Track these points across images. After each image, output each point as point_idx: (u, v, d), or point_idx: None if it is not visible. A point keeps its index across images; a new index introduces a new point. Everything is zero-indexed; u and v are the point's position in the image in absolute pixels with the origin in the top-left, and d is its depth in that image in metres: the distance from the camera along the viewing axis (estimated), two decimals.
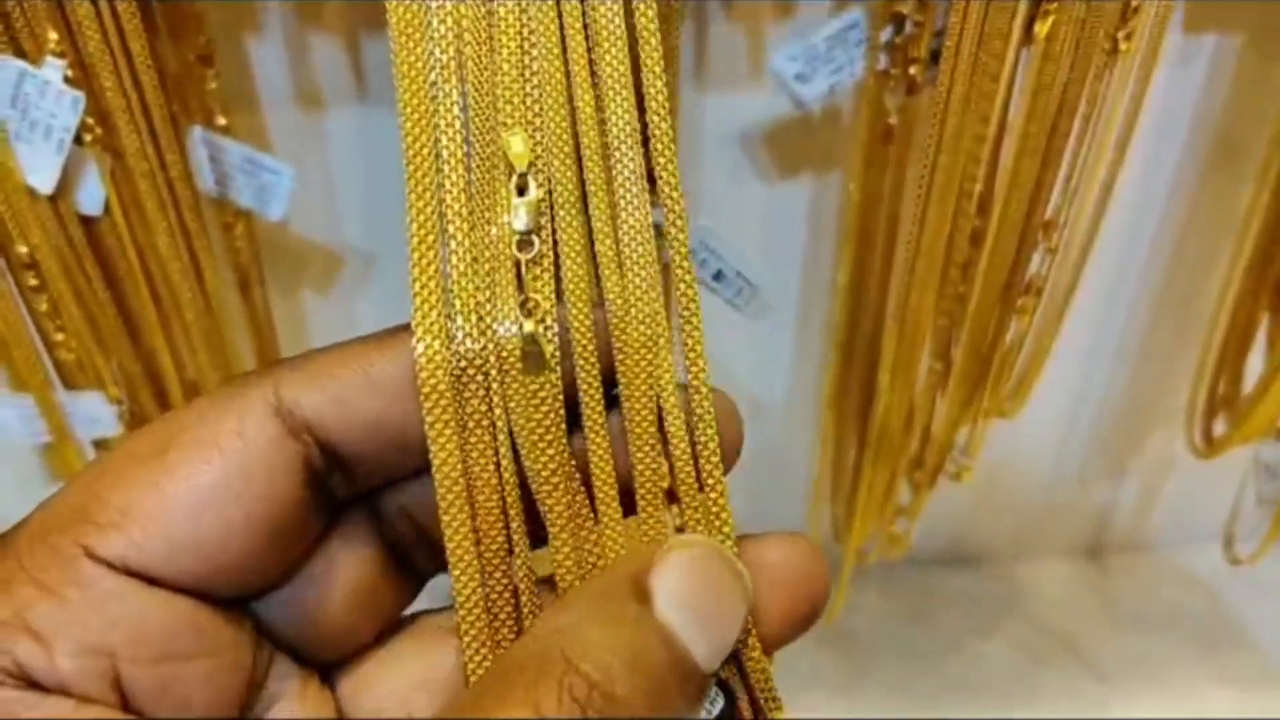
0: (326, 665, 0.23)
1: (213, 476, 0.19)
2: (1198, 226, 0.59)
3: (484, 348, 0.20)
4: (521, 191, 0.21)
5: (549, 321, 0.21)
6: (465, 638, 0.21)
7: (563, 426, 0.21)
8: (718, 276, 0.43)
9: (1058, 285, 0.46)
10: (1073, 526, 0.75)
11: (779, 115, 0.53)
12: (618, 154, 0.22)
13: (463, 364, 0.20)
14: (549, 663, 0.18)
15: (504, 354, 0.20)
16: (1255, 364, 0.56)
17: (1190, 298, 0.61)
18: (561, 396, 0.21)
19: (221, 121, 0.45)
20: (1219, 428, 0.57)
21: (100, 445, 0.47)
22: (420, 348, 0.20)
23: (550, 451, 0.21)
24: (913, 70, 0.44)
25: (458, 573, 0.21)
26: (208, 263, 0.43)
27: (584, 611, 0.19)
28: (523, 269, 0.21)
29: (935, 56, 0.44)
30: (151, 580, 0.19)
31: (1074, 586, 0.74)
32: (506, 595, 0.22)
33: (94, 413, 0.44)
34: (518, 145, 0.21)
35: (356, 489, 0.21)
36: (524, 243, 0.21)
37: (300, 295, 0.56)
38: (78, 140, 0.38)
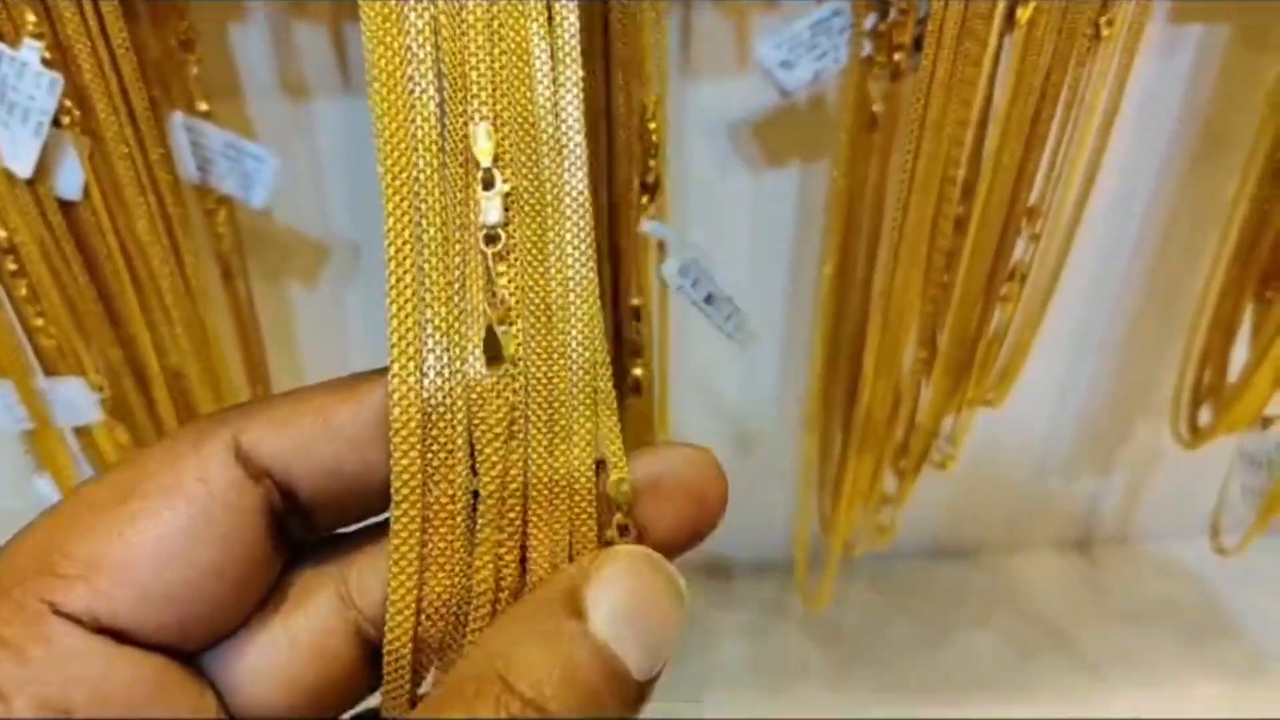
0: None
1: (178, 523, 0.19)
2: (1183, 218, 0.59)
3: (453, 388, 0.20)
4: (488, 186, 0.21)
5: (513, 318, 0.21)
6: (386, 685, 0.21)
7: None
8: (709, 300, 0.43)
9: (1042, 272, 0.46)
10: (1061, 519, 0.75)
11: (765, 105, 0.53)
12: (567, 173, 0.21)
13: (432, 405, 0.20)
14: (485, 683, 0.18)
15: (473, 396, 0.21)
16: (1240, 354, 0.56)
17: (1175, 289, 0.61)
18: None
19: (203, 107, 0.44)
20: (1204, 417, 0.57)
21: (82, 433, 0.47)
22: (395, 383, 0.20)
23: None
24: (897, 57, 0.44)
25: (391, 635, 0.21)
26: (188, 248, 0.43)
27: (519, 630, 0.19)
28: (490, 263, 0.21)
29: (919, 43, 0.44)
30: (119, 636, 0.19)
31: (1062, 578, 0.74)
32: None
33: (75, 400, 0.44)
34: (482, 140, 0.21)
35: (315, 532, 0.22)
36: (491, 237, 0.21)
37: (286, 286, 0.56)
38: (56, 123, 0.38)
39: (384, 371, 0.20)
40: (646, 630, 0.19)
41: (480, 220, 0.21)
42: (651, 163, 0.41)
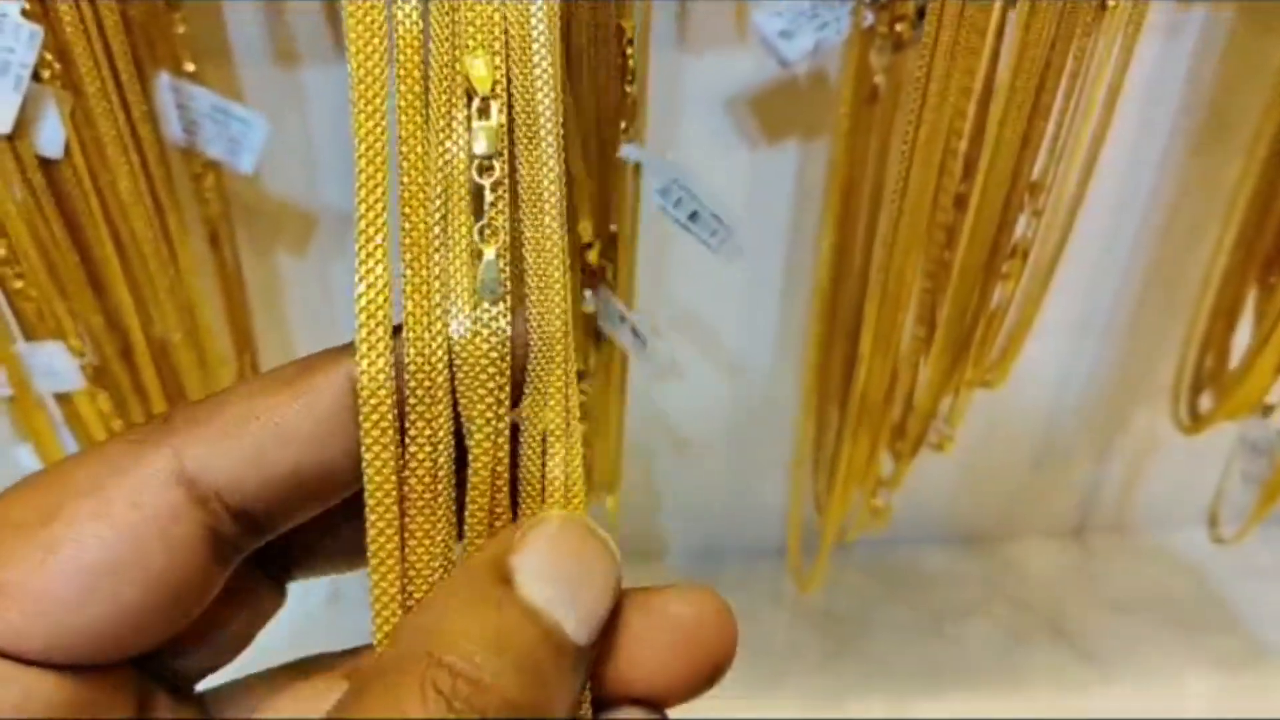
0: (206, 701, 0.22)
1: (104, 554, 0.18)
2: (1186, 201, 0.58)
3: (434, 354, 0.19)
4: (483, 115, 0.20)
5: (505, 248, 0.20)
6: None
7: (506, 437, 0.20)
8: (693, 217, 0.42)
9: (1044, 250, 0.46)
10: (1057, 506, 0.74)
11: (763, 79, 0.52)
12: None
13: (412, 381, 0.19)
14: (410, 660, 0.17)
15: (459, 353, 0.19)
16: (1242, 340, 0.55)
17: (1177, 274, 0.60)
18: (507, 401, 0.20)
19: (190, 68, 0.43)
20: (1205, 403, 0.56)
21: (63, 401, 0.46)
22: (364, 365, 0.19)
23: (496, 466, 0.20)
24: (900, 27, 0.44)
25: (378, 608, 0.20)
26: (172, 209, 0.42)
27: (444, 604, 0.18)
28: (485, 194, 0.20)
29: (922, 13, 0.43)
30: (30, 662, 0.18)
31: (1058, 566, 0.73)
32: None
33: (56, 365, 0.43)
34: (480, 69, 0.20)
35: (265, 539, 0.20)
36: (485, 168, 0.20)
37: (274, 255, 0.55)
38: (36, 77, 0.37)
39: (339, 352, 0.19)
40: (579, 591, 0.18)
41: (472, 151, 0.20)
42: (629, 88, 0.40)
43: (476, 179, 0.20)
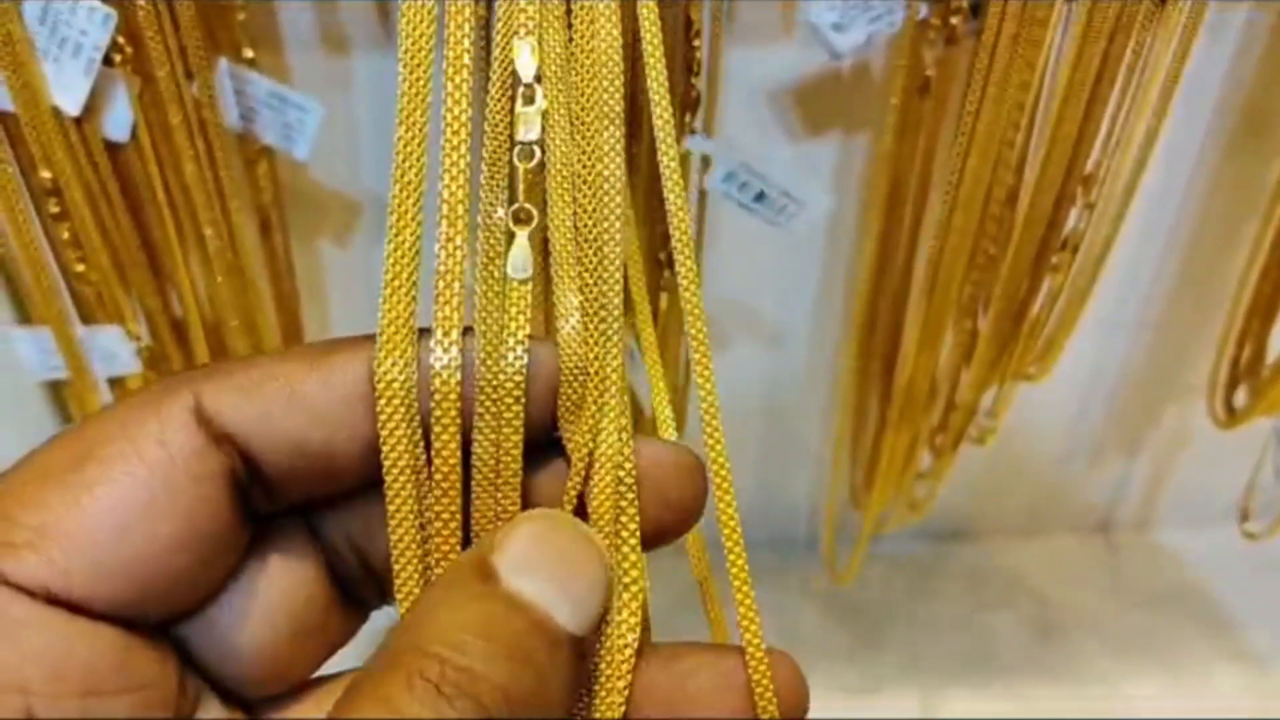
0: (254, 705, 0.22)
1: (137, 490, 0.18)
2: (1221, 199, 0.59)
3: (451, 361, 0.19)
4: (529, 101, 0.20)
5: (538, 231, 0.20)
6: None
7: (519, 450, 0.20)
8: (760, 198, 0.42)
9: (1094, 243, 0.46)
10: (1086, 501, 0.75)
11: (807, 72, 0.52)
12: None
13: (429, 384, 0.19)
14: (397, 657, 0.17)
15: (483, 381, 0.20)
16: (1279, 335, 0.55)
17: (1210, 271, 0.61)
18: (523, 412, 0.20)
19: (249, 54, 0.44)
20: (1240, 399, 0.57)
21: (115, 384, 0.46)
22: (383, 370, 0.19)
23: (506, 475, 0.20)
24: (954, 21, 0.44)
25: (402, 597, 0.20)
26: (233, 193, 0.42)
27: (429, 602, 0.18)
28: (518, 178, 0.20)
29: (976, 9, 0.43)
30: (73, 607, 0.18)
31: (1084, 563, 0.74)
32: None
33: (112, 348, 0.43)
34: (525, 55, 0.20)
35: (278, 506, 0.20)
36: (527, 153, 0.20)
37: (317, 243, 0.55)
38: (107, 61, 0.37)
39: (363, 340, 0.19)
40: (563, 579, 0.19)
41: (517, 137, 0.20)
42: (695, 80, 0.40)
43: (516, 163, 0.20)
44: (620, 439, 0.20)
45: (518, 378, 0.19)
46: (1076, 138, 0.42)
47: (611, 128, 0.21)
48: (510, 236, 0.20)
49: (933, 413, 0.51)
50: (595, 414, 0.20)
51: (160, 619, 0.19)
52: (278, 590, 0.21)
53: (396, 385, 0.19)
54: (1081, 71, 0.40)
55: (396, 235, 0.20)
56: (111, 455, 0.18)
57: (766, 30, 0.51)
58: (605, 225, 0.20)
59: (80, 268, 0.41)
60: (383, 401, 0.19)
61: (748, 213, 0.42)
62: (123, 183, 0.40)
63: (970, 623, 0.69)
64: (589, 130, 0.21)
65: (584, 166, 0.20)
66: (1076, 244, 0.45)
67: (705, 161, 0.43)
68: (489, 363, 0.19)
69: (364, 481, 0.20)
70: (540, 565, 0.18)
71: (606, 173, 0.20)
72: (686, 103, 0.41)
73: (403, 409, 0.19)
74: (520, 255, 0.20)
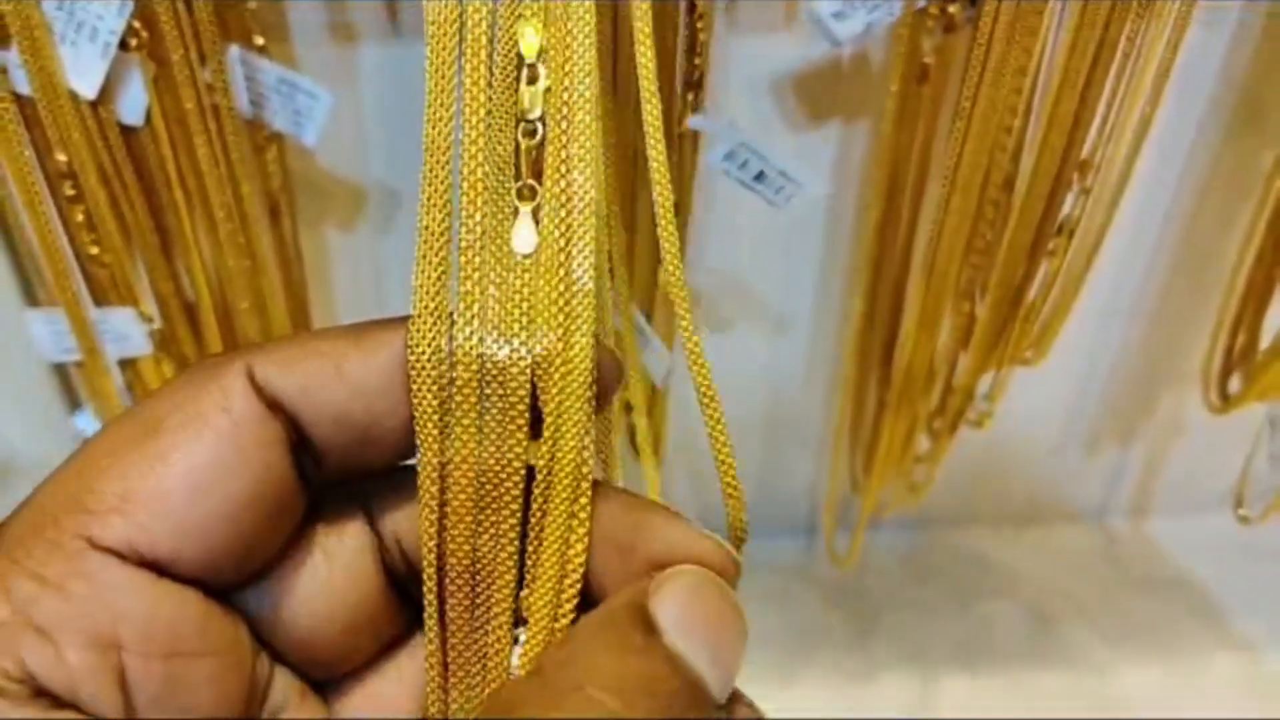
0: (321, 684, 0.23)
1: (208, 455, 0.19)
2: (1216, 188, 0.59)
3: (476, 349, 0.20)
4: (533, 81, 0.21)
5: (541, 204, 0.21)
6: (429, 674, 0.22)
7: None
8: (759, 178, 0.43)
9: (1090, 228, 0.47)
10: (1083, 488, 0.75)
11: (807, 61, 0.53)
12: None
13: (456, 371, 0.20)
14: (562, 691, 0.18)
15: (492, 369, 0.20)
16: (1273, 323, 0.56)
17: (1205, 259, 0.61)
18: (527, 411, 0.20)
19: (259, 41, 0.44)
20: (1235, 385, 0.58)
21: (127, 366, 0.47)
22: (417, 349, 0.20)
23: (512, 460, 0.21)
24: (952, 9, 0.45)
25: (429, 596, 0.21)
26: (244, 179, 0.42)
27: (588, 643, 0.19)
28: (521, 154, 0.21)
29: None
30: (158, 568, 0.19)
31: (1082, 549, 0.74)
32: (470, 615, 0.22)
33: (124, 330, 0.44)
34: (530, 35, 0.21)
35: (327, 476, 0.21)
36: (530, 130, 0.21)
37: (324, 230, 0.56)
38: (123, 46, 0.38)
39: (405, 319, 0.20)
40: (716, 645, 0.19)
41: (521, 115, 0.21)
42: (697, 60, 0.41)
43: (521, 140, 0.21)
44: (580, 442, 0.20)
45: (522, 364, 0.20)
46: (1072, 124, 0.42)
47: (587, 107, 0.21)
48: (515, 212, 0.21)
49: (931, 396, 0.52)
50: (555, 415, 0.20)
51: (232, 580, 0.20)
52: (343, 588, 0.22)
53: (426, 359, 0.20)
54: (1077, 59, 0.41)
55: (427, 212, 0.20)
56: (179, 424, 0.19)
57: (767, 20, 0.51)
58: (580, 204, 0.21)
59: (94, 250, 0.42)
60: (414, 374, 0.20)
61: (747, 191, 0.43)
62: (136, 166, 0.40)
63: (967, 610, 0.70)
64: (572, 110, 0.21)
65: (574, 145, 0.21)
66: (1072, 229, 0.46)
67: (694, 138, 0.44)
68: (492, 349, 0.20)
69: (406, 454, 0.21)
70: (697, 629, 0.19)
71: (581, 153, 0.21)
72: (690, 83, 0.42)
73: (433, 383, 0.20)
74: (525, 231, 0.21)
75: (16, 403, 0.55)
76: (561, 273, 0.20)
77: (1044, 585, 0.71)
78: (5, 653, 0.17)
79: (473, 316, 0.20)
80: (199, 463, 0.19)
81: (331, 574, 0.21)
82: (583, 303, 0.20)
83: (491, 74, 0.21)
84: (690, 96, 0.42)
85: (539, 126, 0.21)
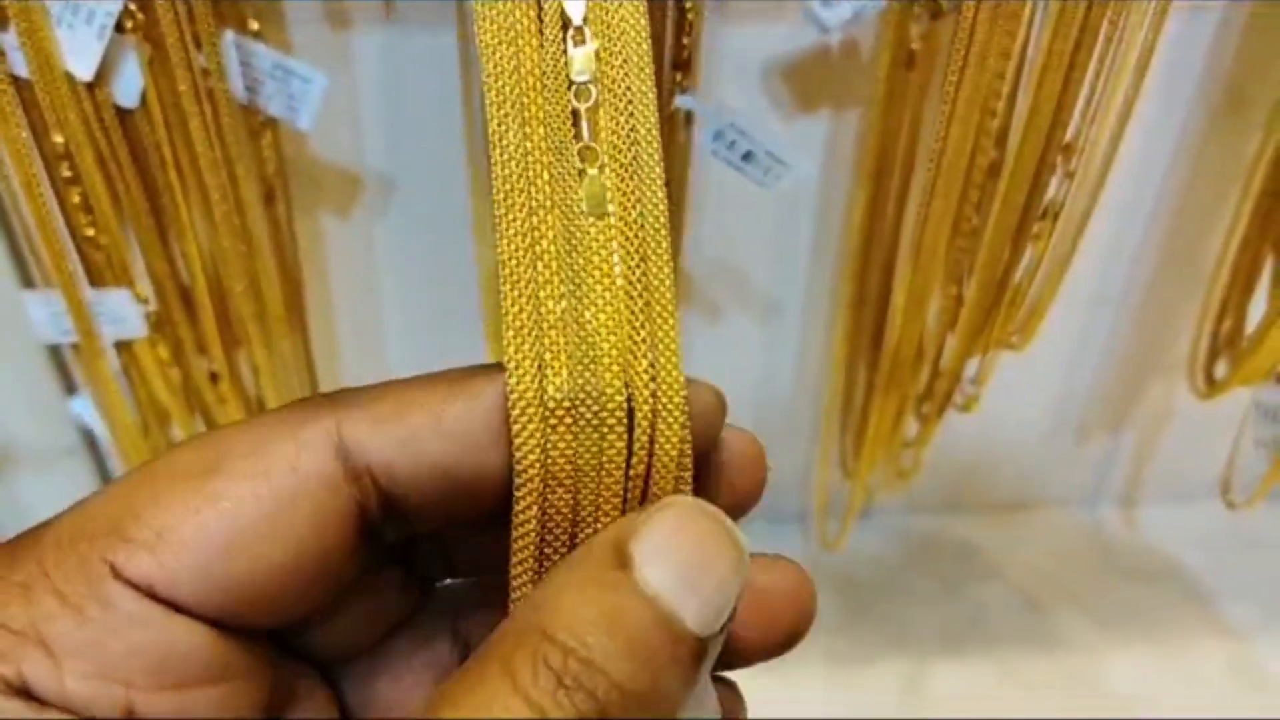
0: (326, 664, 0.22)
1: (258, 511, 0.18)
2: (1203, 175, 0.60)
3: (575, 392, 0.19)
4: (578, 43, 0.21)
5: (605, 166, 0.21)
6: None
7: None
8: (747, 158, 0.43)
9: (1074, 211, 0.47)
10: (1072, 476, 0.76)
11: (797, 49, 0.53)
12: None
13: (553, 407, 0.19)
14: (524, 634, 0.17)
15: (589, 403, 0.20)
16: (1258, 308, 0.57)
17: (1193, 247, 0.62)
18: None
19: (254, 26, 0.45)
20: (1220, 370, 0.58)
21: (123, 349, 0.47)
22: (512, 383, 0.19)
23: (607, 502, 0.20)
24: None
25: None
26: (239, 161, 0.43)
27: (560, 581, 0.19)
28: (581, 117, 0.21)
29: None
30: (175, 607, 0.18)
31: (1072, 536, 0.75)
32: None
33: (120, 311, 0.44)
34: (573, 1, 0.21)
35: (411, 533, 0.21)
36: (582, 92, 0.21)
37: (318, 216, 0.56)
38: (119, 28, 0.38)
39: (499, 367, 0.20)
40: (700, 579, 0.18)
41: (571, 78, 0.21)
42: (685, 39, 0.41)
43: (575, 103, 0.21)
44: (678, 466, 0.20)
45: (619, 398, 0.20)
46: (1056, 107, 0.43)
47: (644, 69, 0.21)
48: (581, 174, 0.21)
49: (919, 378, 0.53)
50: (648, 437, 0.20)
51: (258, 628, 0.19)
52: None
53: (530, 399, 0.19)
54: (1060, 42, 0.41)
55: (508, 243, 0.20)
56: (241, 471, 0.18)
57: (757, 6, 0.52)
58: (647, 165, 0.21)
59: (90, 231, 0.42)
60: (515, 415, 0.19)
61: (736, 171, 0.44)
62: (132, 148, 0.41)
63: (958, 596, 0.70)
64: (629, 73, 0.21)
65: (636, 107, 0.21)
66: (1057, 213, 0.46)
67: (687, 117, 0.44)
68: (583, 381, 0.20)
69: (502, 504, 0.20)
70: (676, 558, 0.18)
71: (644, 115, 0.21)
72: (678, 63, 0.43)
73: (536, 426, 0.19)
74: (597, 191, 0.21)
75: (13, 386, 0.56)
76: (636, 242, 0.20)
77: (1033, 572, 0.72)
78: (8, 662, 0.17)
79: (567, 355, 0.20)
80: (245, 519, 0.18)
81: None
82: (664, 312, 0.20)
83: (542, 36, 0.21)
84: (678, 76, 0.42)
85: (592, 89, 0.21)
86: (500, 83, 0.21)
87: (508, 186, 0.20)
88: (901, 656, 0.66)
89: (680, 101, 0.43)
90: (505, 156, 0.21)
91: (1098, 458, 0.75)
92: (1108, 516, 0.77)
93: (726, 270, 0.61)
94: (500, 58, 0.21)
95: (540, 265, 0.20)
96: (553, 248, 0.20)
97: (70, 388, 0.55)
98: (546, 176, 0.21)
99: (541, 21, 0.21)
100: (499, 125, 0.21)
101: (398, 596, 0.23)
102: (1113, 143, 0.45)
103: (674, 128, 0.45)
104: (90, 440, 0.60)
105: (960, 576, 0.72)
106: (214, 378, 0.48)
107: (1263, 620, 0.69)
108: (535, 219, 0.20)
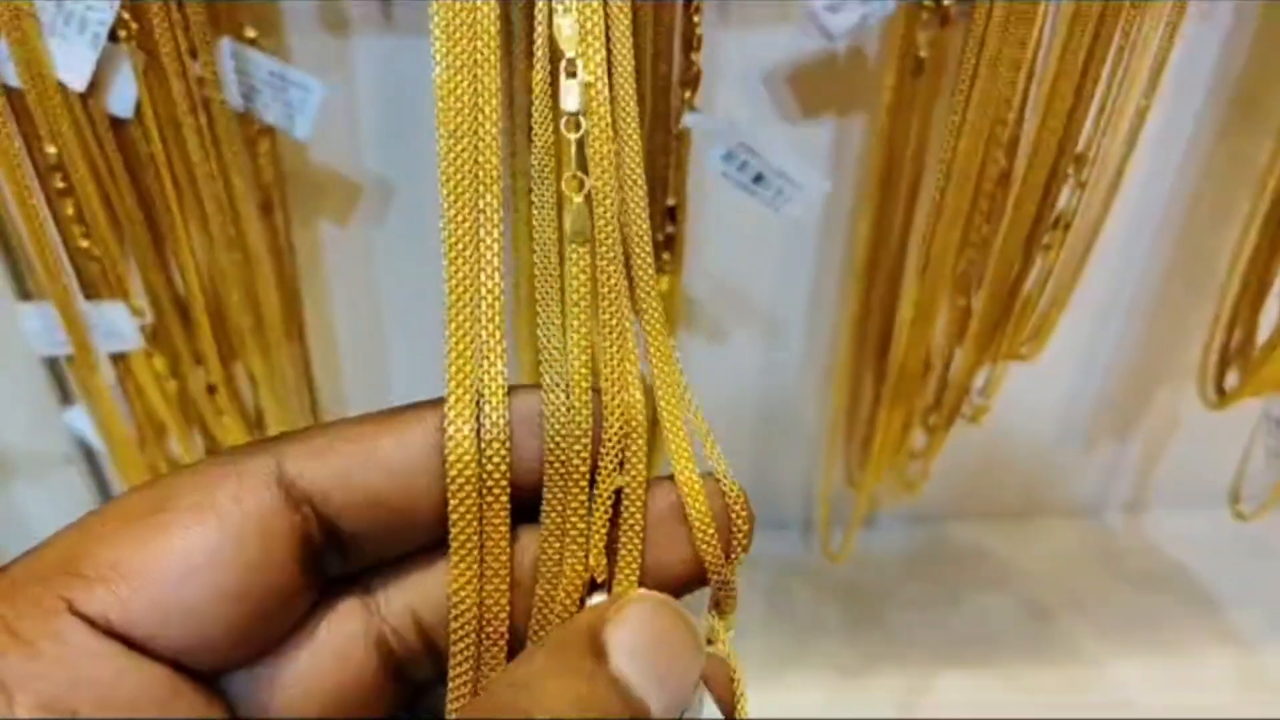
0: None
1: (206, 541, 0.19)
2: (1213, 183, 0.59)
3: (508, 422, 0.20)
4: (572, 74, 0.21)
5: (593, 194, 0.21)
6: None
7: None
8: (758, 179, 0.43)
9: (1085, 221, 0.46)
10: (1078, 484, 0.75)
11: (802, 55, 0.53)
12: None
13: (488, 445, 0.20)
14: (507, 713, 0.18)
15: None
16: (1270, 317, 0.56)
17: (1202, 256, 0.61)
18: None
19: (251, 34, 0.44)
20: (1231, 380, 0.57)
21: (118, 361, 0.47)
22: (450, 430, 0.20)
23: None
24: (946, 2, 0.44)
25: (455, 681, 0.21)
26: (235, 171, 0.42)
27: (541, 665, 0.19)
28: (572, 149, 0.21)
29: None
30: (131, 643, 0.19)
31: (1078, 544, 0.74)
32: None
33: (116, 324, 0.43)
34: (567, 28, 0.21)
35: (350, 567, 0.21)
36: (573, 124, 0.21)
37: (317, 223, 0.56)
38: (112, 37, 0.37)
39: (439, 402, 0.20)
40: (666, 672, 0.19)
41: (562, 108, 0.21)
42: (694, 56, 0.41)
43: (565, 134, 0.21)
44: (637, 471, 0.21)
45: (585, 425, 0.20)
46: (1067, 117, 0.42)
47: (631, 101, 0.21)
48: (563, 203, 0.21)
49: (926, 390, 0.52)
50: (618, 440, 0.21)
51: (209, 666, 0.20)
52: (331, 671, 0.21)
53: (463, 438, 0.20)
54: (1071, 51, 0.41)
55: (455, 284, 0.21)
56: (188, 506, 0.19)
57: (762, 14, 0.51)
58: (634, 195, 0.21)
59: (84, 243, 0.41)
60: (450, 458, 0.20)
61: (746, 194, 0.43)
62: (126, 159, 0.40)
63: (963, 604, 0.70)
64: (618, 104, 0.21)
65: (625, 137, 0.21)
66: (1068, 223, 0.46)
67: (681, 136, 0.44)
68: (555, 415, 0.20)
69: (440, 538, 0.21)
70: (647, 652, 0.19)
71: (632, 145, 0.21)
72: (686, 79, 0.42)
73: (470, 465, 0.20)
74: (579, 218, 0.21)
75: (8, 398, 0.55)
76: (615, 273, 0.21)
77: (1040, 580, 0.71)
78: None
79: (502, 394, 0.20)
80: (195, 548, 0.19)
81: (322, 660, 0.21)
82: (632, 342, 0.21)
83: (532, 68, 0.21)
84: (687, 94, 0.42)
85: (581, 121, 0.21)
86: (452, 110, 0.21)
87: (453, 213, 0.21)
88: (906, 664, 0.66)
89: (690, 121, 0.42)
90: (452, 184, 0.21)
91: (1105, 465, 0.74)
92: (1115, 524, 0.76)
93: (731, 279, 0.61)
94: (457, 86, 0.21)
95: (484, 293, 0.21)
96: (497, 275, 0.21)
97: (66, 399, 0.54)
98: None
99: (532, 55, 0.21)
100: (447, 151, 0.21)
101: (381, 701, 0.23)
102: (1124, 153, 0.44)
103: (682, 144, 0.44)
104: (87, 450, 0.59)
105: (966, 584, 0.71)
106: (211, 390, 0.47)
107: (1270, 628, 0.68)
108: (481, 248, 0.21)
